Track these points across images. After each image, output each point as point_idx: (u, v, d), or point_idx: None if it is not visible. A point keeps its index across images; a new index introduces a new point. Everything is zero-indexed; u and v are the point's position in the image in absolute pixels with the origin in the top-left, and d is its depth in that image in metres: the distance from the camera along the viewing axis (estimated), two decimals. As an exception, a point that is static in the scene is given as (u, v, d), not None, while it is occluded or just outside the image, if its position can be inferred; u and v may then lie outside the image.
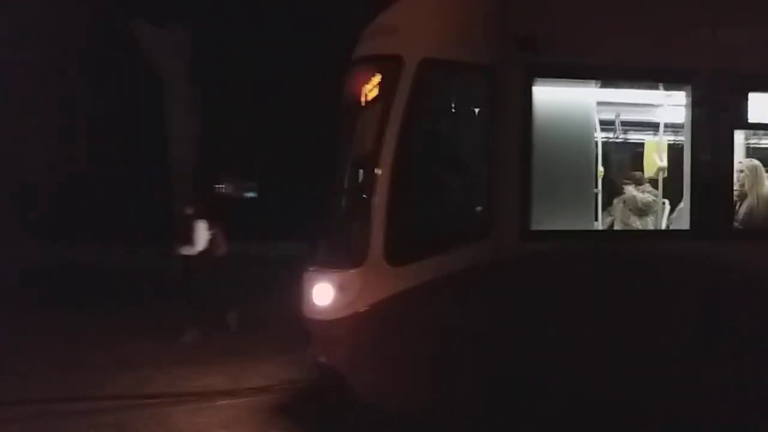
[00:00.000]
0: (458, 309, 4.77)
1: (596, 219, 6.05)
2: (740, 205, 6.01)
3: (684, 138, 5.38)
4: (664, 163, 6.02)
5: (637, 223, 6.63)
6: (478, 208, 4.89)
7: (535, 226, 4.89)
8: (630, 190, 6.81)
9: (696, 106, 5.20)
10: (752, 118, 5.39)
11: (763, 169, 6.10)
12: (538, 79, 4.90)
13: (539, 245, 4.87)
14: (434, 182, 5.03)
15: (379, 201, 4.74)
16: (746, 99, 5.29)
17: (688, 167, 5.26)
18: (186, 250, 8.78)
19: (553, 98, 5.16)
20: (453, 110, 5.11)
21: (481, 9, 4.94)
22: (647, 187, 6.81)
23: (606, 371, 4.89)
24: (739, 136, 6.14)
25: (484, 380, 4.79)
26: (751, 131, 6.40)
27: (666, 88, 5.57)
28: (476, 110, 4.86)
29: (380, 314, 4.77)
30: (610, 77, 5.22)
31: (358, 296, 4.80)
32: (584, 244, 5.02)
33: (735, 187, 6.03)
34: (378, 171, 4.76)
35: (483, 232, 4.78)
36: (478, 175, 4.87)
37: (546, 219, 5.06)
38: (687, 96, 5.26)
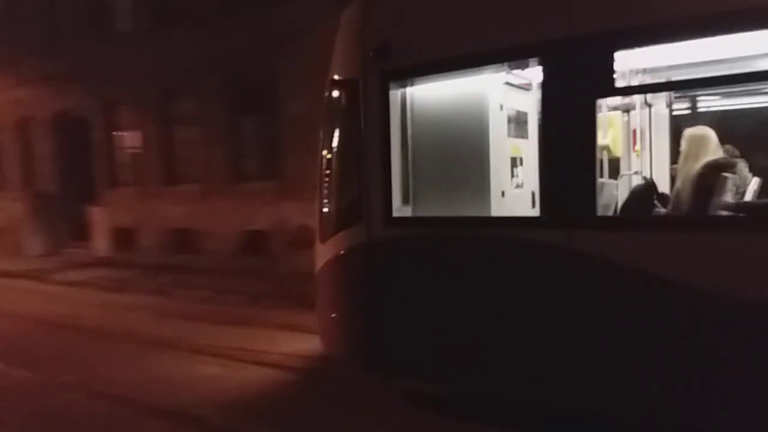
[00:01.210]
0: (345, 283, 5.82)
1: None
2: (673, 188, 4.58)
3: (538, 115, 4.64)
4: (607, 141, 4.95)
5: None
6: (356, 198, 5.63)
7: (396, 213, 5.38)
8: None
9: (546, 77, 4.53)
10: (622, 82, 4.19)
11: (711, 141, 4.39)
12: (395, 82, 5.38)
13: (398, 231, 5.37)
14: (336, 179, 5.99)
15: (318, 193, 6.19)
16: (610, 60, 4.22)
17: (540, 147, 4.67)
18: None
19: (420, 95, 5.47)
20: (344, 120, 5.83)
21: (352, 31, 5.66)
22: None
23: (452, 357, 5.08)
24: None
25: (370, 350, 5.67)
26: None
27: (520, 67, 4.81)
28: (354, 117, 5.53)
29: (320, 279, 6.19)
30: (459, 68, 5.05)
31: (317, 263, 6.31)
32: (435, 230, 5.20)
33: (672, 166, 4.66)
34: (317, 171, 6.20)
35: (359, 218, 5.60)
36: (358, 171, 5.58)
37: (437, 207, 5.43)
38: (540, 70, 4.60)
